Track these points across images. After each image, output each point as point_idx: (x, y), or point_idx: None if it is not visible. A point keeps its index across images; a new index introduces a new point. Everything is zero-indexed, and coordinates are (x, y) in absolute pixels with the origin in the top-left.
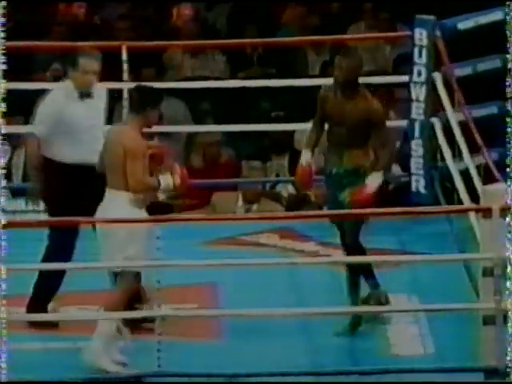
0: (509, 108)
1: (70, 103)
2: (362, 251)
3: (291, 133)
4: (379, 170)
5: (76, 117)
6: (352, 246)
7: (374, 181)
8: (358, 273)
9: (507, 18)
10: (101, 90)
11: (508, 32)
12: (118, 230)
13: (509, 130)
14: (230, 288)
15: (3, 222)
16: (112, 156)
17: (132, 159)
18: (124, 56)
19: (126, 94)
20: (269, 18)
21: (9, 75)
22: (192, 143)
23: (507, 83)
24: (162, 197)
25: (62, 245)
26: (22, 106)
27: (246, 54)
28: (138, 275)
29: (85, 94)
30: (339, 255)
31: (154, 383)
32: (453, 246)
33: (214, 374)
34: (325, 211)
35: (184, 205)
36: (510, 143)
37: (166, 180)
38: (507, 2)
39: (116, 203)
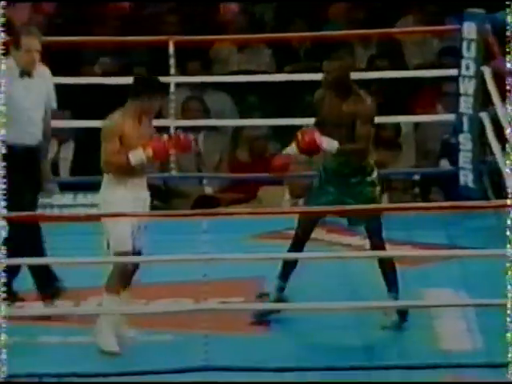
0: None
1: (9, 82)
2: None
3: None
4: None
5: (14, 96)
6: (379, 244)
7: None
8: (386, 270)
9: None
10: (44, 70)
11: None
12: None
13: None
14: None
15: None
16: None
17: (103, 141)
18: (171, 50)
19: (172, 89)
20: (316, 12)
21: (57, 70)
22: (238, 137)
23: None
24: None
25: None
26: (70, 101)
27: (293, 48)
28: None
29: (25, 73)
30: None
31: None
32: (501, 240)
33: (260, 368)
34: (376, 205)
35: (231, 199)
36: None
37: (136, 155)
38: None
39: (103, 185)
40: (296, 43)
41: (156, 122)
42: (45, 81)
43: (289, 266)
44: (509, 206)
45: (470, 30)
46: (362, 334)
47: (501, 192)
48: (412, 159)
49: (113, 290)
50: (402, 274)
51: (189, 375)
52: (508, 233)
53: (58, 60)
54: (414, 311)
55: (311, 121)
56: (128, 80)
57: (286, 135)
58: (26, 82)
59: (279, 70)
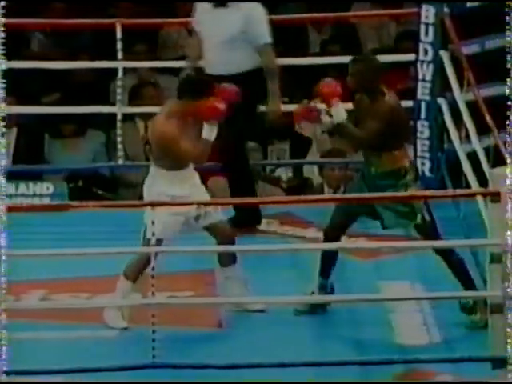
0: None
1: None
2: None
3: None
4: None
5: None
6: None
7: None
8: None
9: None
10: None
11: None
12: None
13: None
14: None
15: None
16: (152, 140)
17: (171, 145)
18: (118, 34)
19: (120, 74)
20: None
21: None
22: None
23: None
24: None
25: None
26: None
27: None
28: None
29: None
30: (342, 241)
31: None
32: (460, 231)
33: (210, 365)
34: (327, 195)
35: None
36: None
37: (209, 132)
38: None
39: (155, 179)
40: None
41: (102, 109)
42: None
43: (327, 262)
44: (467, 194)
45: (427, 13)
46: (317, 329)
47: (459, 181)
48: None
49: (131, 276)
50: (357, 266)
51: (135, 373)
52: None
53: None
54: (369, 305)
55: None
56: (73, 65)
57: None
58: None
59: None
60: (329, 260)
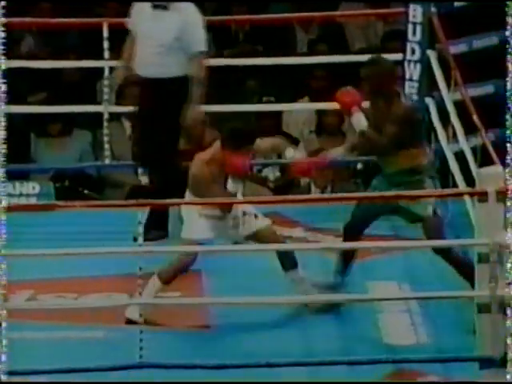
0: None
1: None
2: None
3: (279, 115)
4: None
5: None
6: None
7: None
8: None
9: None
10: None
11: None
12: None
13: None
14: (215, 276)
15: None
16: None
17: (205, 187)
18: (105, 34)
19: (107, 73)
20: None
21: None
22: None
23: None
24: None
25: None
26: None
27: (232, 31)
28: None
29: None
30: (328, 241)
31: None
32: (448, 231)
33: (198, 366)
34: (315, 195)
35: None
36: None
37: (234, 185)
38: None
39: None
40: (236, 26)
41: (89, 108)
42: None
43: (347, 260)
44: (454, 194)
45: (415, 12)
46: (304, 329)
47: (446, 180)
48: None
49: (165, 278)
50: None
51: (123, 373)
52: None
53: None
54: (357, 305)
55: (252, 107)
56: (60, 64)
57: (225, 122)
58: None
59: (218, 55)
60: (349, 258)
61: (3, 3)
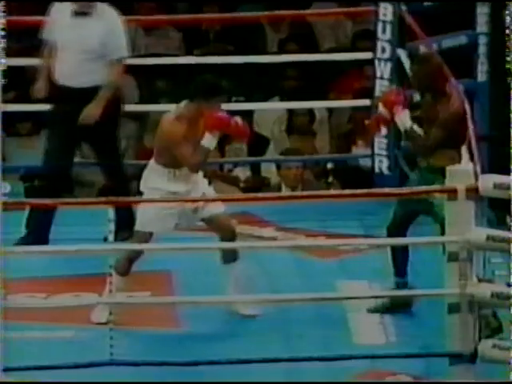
0: None
1: None
2: None
3: (250, 114)
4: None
5: None
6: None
7: None
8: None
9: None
10: None
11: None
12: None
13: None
14: (186, 275)
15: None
16: (156, 137)
17: (173, 144)
18: None
19: None
20: None
21: None
22: (146, 123)
23: None
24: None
25: None
26: None
27: (203, 30)
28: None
29: None
30: (300, 240)
31: None
32: (417, 229)
33: (169, 363)
34: (286, 193)
35: (138, 188)
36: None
37: (208, 141)
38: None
39: (154, 176)
40: (206, 26)
41: None
42: None
43: (400, 261)
44: (424, 192)
45: (385, 11)
46: (277, 327)
47: None
48: (327, 146)
49: (121, 269)
50: (315, 265)
51: (92, 370)
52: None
53: None
54: (327, 304)
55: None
56: (29, 62)
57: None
58: None
59: (189, 54)
60: (402, 258)
61: (3, 3)
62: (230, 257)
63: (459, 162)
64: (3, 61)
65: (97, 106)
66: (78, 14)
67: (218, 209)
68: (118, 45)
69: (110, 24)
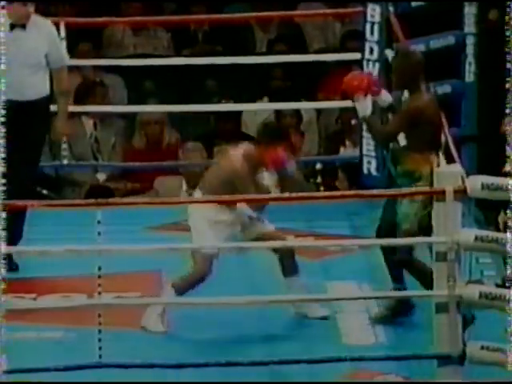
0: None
1: None
2: None
3: (239, 115)
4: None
5: None
6: None
7: None
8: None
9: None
10: None
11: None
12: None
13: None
14: (176, 275)
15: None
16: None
17: (241, 185)
18: (62, 33)
19: None
20: None
21: None
22: (134, 123)
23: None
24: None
25: None
26: None
27: (191, 31)
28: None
29: None
30: (288, 241)
31: None
32: None
33: (157, 365)
34: (276, 194)
35: (126, 189)
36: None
37: (269, 179)
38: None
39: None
40: (195, 26)
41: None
42: None
43: (391, 266)
44: (413, 193)
45: (373, 12)
46: (263, 329)
47: None
48: (315, 147)
49: (179, 290)
50: (303, 266)
51: (82, 374)
52: None
53: None
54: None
55: (211, 107)
56: None
57: (183, 121)
58: None
59: (177, 54)
60: (395, 266)
61: (3, 3)
62: (291, 270)
63: (432, 165)
64: None
65: (62, 120)
66: (16, 26)
67: (267, 227)
68: (60, 54)
69: (50, 34)
